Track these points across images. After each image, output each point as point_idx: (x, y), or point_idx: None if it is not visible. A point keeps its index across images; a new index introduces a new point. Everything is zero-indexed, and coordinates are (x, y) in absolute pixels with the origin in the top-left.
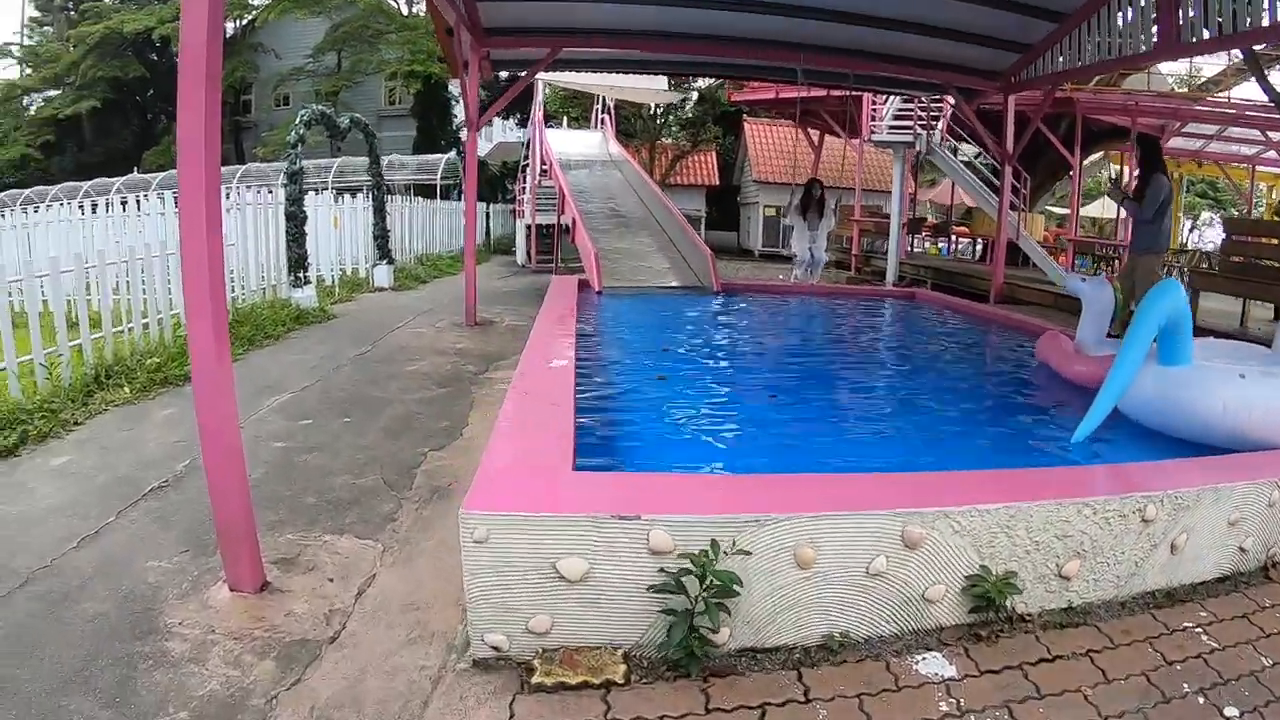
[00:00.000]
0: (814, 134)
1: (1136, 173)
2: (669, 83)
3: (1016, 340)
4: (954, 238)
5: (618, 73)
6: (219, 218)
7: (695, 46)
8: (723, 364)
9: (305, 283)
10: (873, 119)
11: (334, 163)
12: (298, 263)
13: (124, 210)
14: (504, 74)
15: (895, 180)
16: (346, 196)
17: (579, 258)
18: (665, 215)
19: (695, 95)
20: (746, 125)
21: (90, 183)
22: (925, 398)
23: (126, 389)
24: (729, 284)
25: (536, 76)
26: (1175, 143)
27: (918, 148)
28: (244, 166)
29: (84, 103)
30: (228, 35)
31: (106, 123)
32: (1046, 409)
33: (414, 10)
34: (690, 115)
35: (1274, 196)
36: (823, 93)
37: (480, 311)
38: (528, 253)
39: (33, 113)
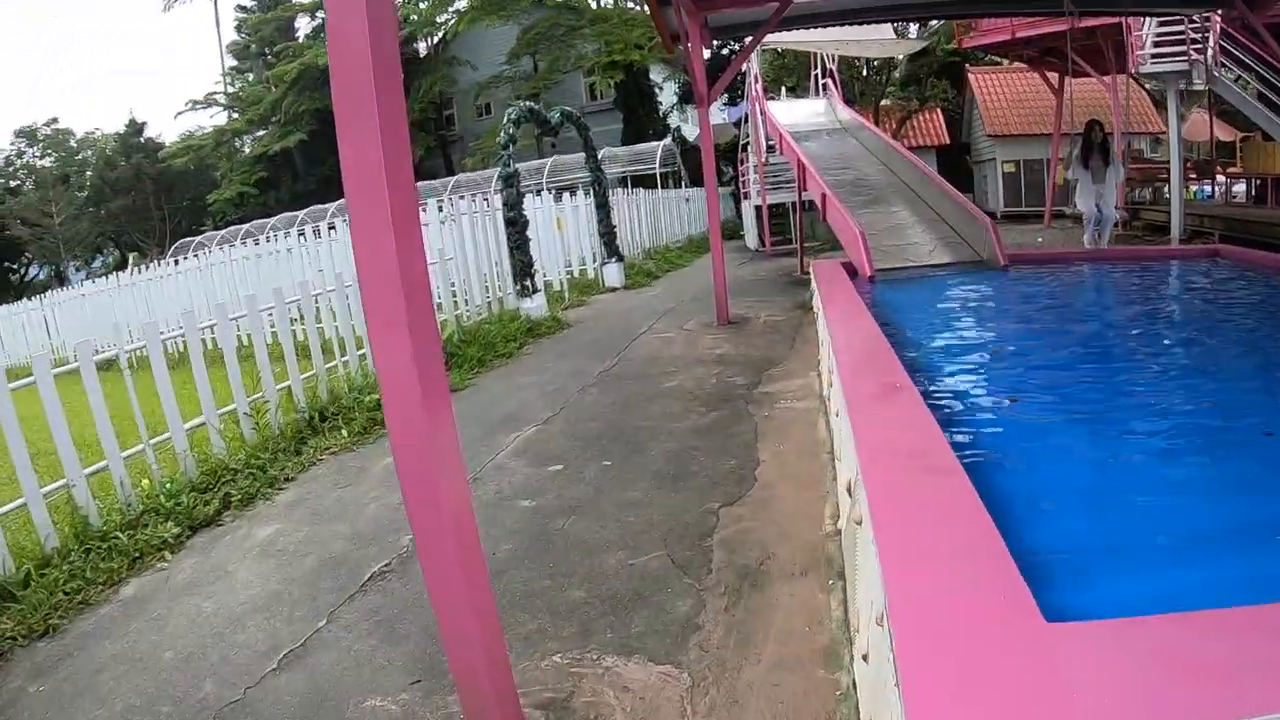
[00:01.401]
0: (1053, 77)
1: None
2: (894, 29)
3: None
4: (1219, 178)
5: (847, 23)
6: (413, 230)
7: None
8: (1084, 374)
9: (533, 291)
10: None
11: (545, 163)
12: (523, 271)
13: (333, 235)
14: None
15: (1172, 117)
16: (565, 195)
17: (823, 238)
18: (920, 181)
19: (929, 38)
20: (971, 76)
21: (305, 210)
22: None
23: (344, 432)
24: (1014, 255)
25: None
26: None
27: (1195, 76)
28: (454, 178)
29: (291, 137)
30: (421, 55)
31: (315, 152)
32: None
33: (602, 2)
34: (907, 71)
35: None
36: (1064, 26)
37: (729, 306)
38: (759, 236)
39: (246, 153)
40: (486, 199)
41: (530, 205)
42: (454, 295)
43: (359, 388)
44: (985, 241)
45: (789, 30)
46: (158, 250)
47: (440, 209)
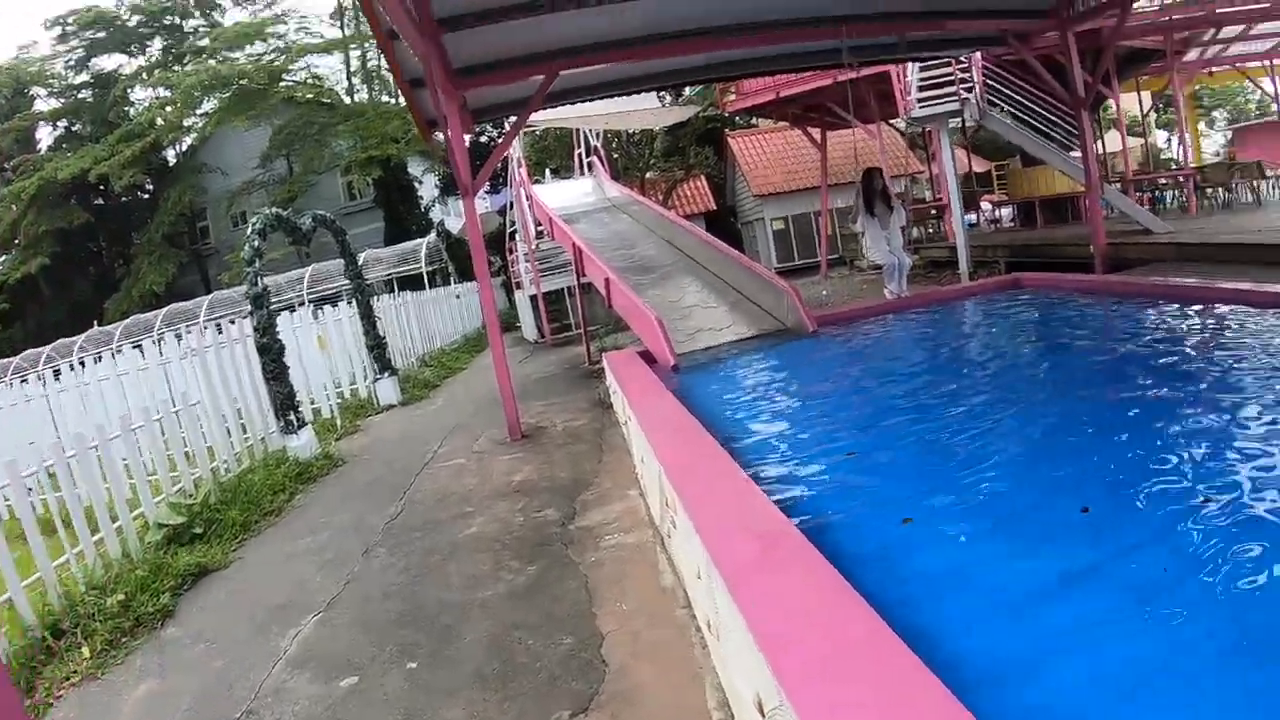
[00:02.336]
0: (815, 133)
1: None
2: (660, 98)
3: (1221, 314)
4: (984, 207)
5: (614, 95)
6: None
7: (716, 41)
8: (989, 466)
9: (299, 426)
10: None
11: (304, 273)
12: (284, 404)
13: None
14: (474, 133)
15: (945, 157)
16: (326, 308)
17: (603, 320)
18: (705, 252)
19: (699, 106)
20: (731, 141)
21: (50, 346)
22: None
23: (85, 650)
24: (821, 317)
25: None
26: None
27: (967, 114)
28: (208, 297)
29: (34, 261)
30: (169, 164)
31: (62, 277)
32: None
33: (355, 97)
34: (668, 142)
35: None
36: (827, 81)
37: (520, 415)
38: (538, 327)
39: None
40: (234, 322)
41: (288, 325)
42: (207, 445)
43: (99, 583)
44: (788, 309)
45: (554, 106)
46: None
47: (180, 339)
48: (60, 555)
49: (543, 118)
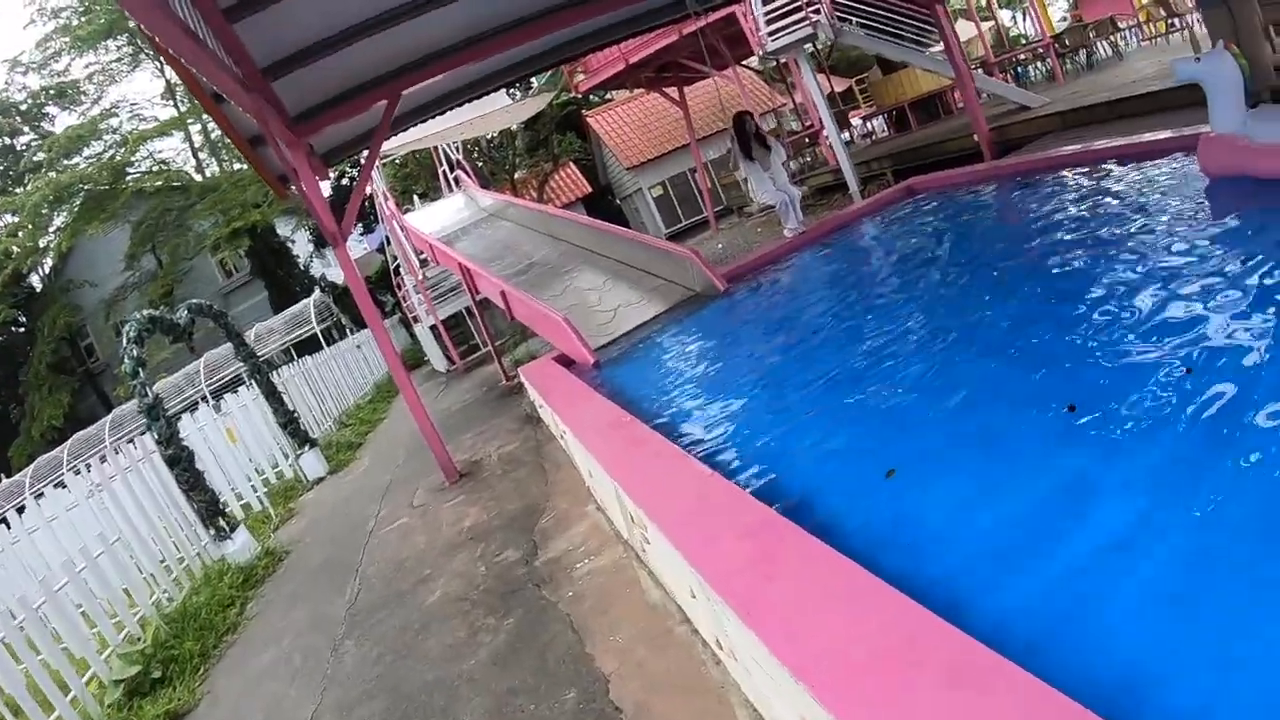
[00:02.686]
0: (672, 93)
1: None
2: (510, 95)
3: (1132, 175)
4: (855, 123)
5: (465, 101)
6: None
7: (553, 20)
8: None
9: (230, 530)
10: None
11: (198, 365)
12: (208, 511)
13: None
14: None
15: (808, 82)
16: (228, 396)
17: (509, 331)
18: (593, 238)
19: (550, 93)
20: (591, 120)
21: None
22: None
23: None
24: (727, 273)
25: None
26: None
27: (821, 37)
28: (109, 417)
29: None
30: (36, 291)
31: None
32: None
33: (207, 172)
34: (528, 138)
35: None
36: (674, 36)
37: (452, 457)
38: (446, 356)
39: None
40: (133, 442)
41: (192, 427)
42: (143, 576)
43: None
44: (693, 273)
45: (406, 128)
46: None
47: (88, 474)
48: None
49: (397, 144)
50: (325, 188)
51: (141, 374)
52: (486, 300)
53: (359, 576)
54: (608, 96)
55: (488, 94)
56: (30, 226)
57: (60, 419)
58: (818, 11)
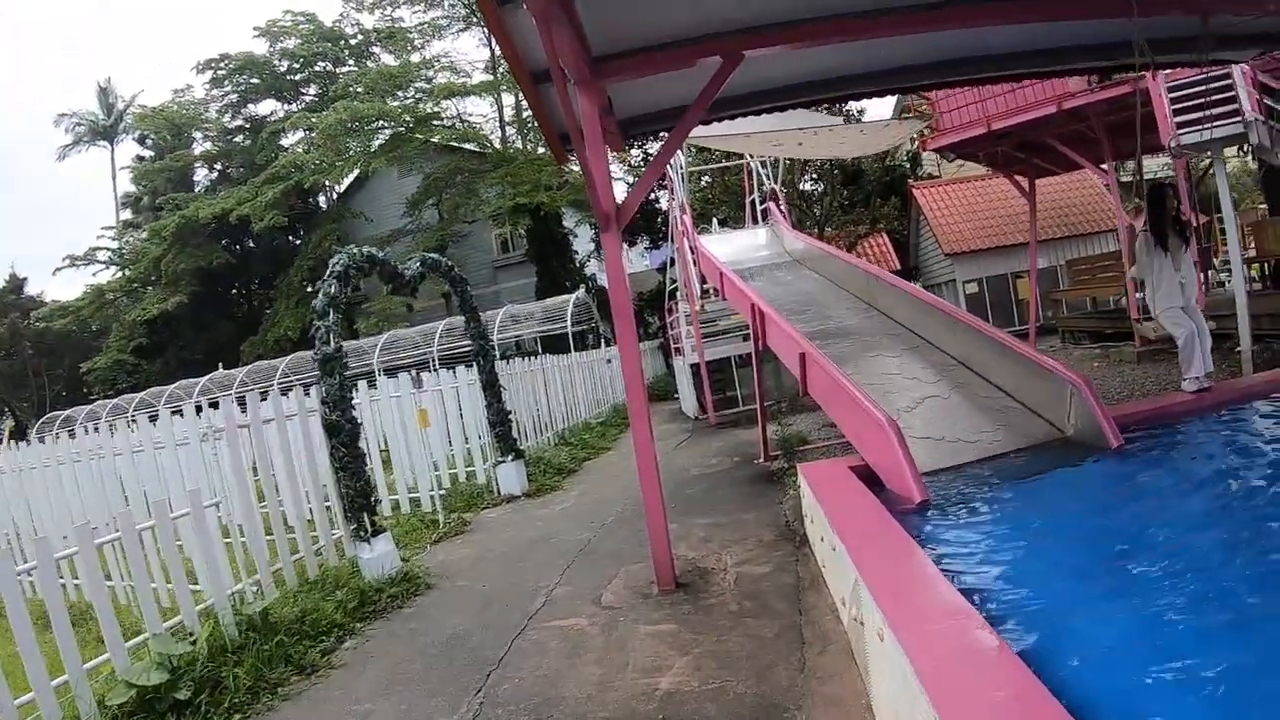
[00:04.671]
0: (1022, 180)
1: None
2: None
3: None
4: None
5: (801, 104)
6: None
7: (968, 12)
8: None
9: (372, 533)
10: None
11: (437, 327)
12: (356, 503)
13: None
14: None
15: (1224, 194)
16: (453, 371)
17: (786, 399)
18: (930, 321)
19: (922, 122)
20: (917, 192)
21: (175, 385)
22: None
23: None
24: (1118, 415)
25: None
26: None
27: (1253, 136)
28: (378, 339)
29: (173, 299)
30: (316, 209)
31: (203, 316)
32: None
33: (509, 143)
34: (845, 195)
35: None
36: (1051, 108)
37: (673, 545)
38: (699, 402)
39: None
40: (309, 392)
41: (369, 398)
42: (232, 559)
43: None
44: (1076, 410)
45: (724, 116)
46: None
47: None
48: None
49: (707, 134)
50: (613, 166)
51: (331, 317)
52: (766, 354)
53: (484, 694)
54: (934, 173)
55: (829, 104)
56: (322, 147)
57: (296, 332)
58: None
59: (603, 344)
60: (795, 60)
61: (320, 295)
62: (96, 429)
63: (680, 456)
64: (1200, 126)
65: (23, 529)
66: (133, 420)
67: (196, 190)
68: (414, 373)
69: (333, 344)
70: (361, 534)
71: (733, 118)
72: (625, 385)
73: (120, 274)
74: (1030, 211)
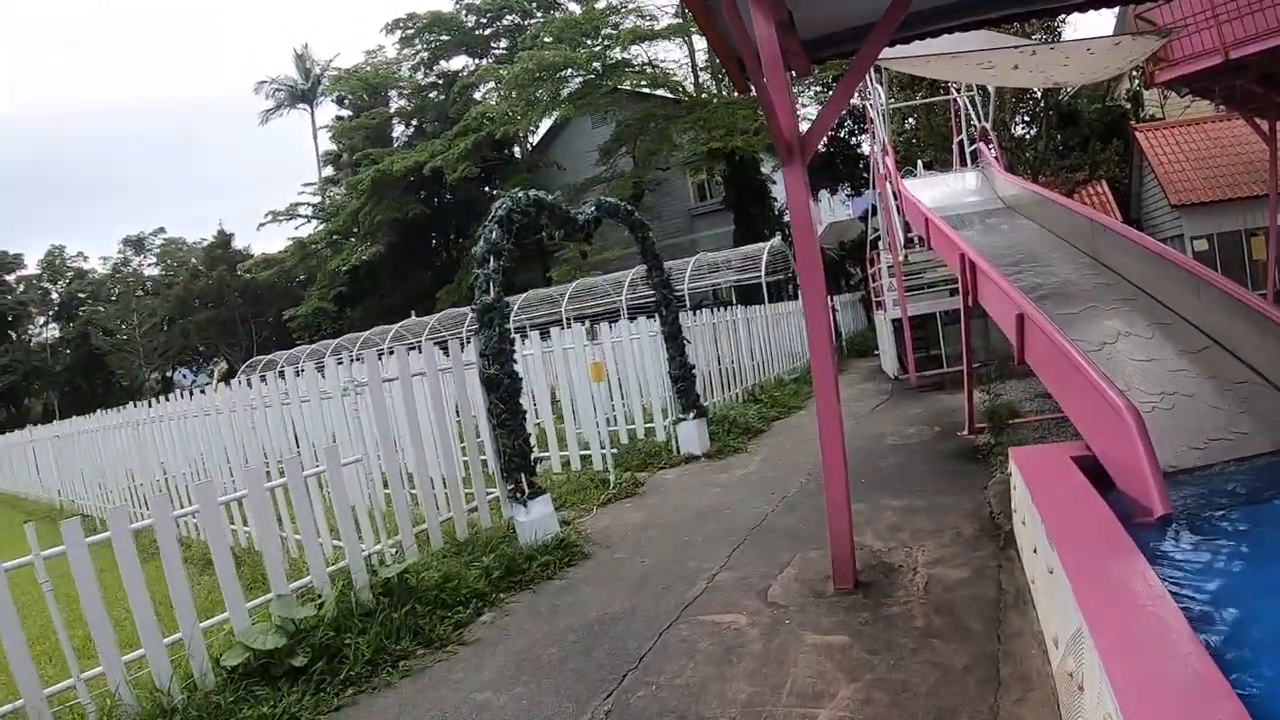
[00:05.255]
0: (1262, 123)
1: None
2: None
3: None
4: None
5: (1014, 14)
6: None
7: None
8: None
9: (532, 494)
10: None
11: (627, 275)
12: (513, 462)
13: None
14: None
15: None
16: (634, 321)
17: (991, 351)
18: (1176, 284)
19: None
20: (1140, 136)
21: (372, 330)
22: None
23: None
24: None
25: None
26: None
27: None
28: (523, 295)
29: (369, 250)
30: (509, 158)
31: (401, 266)
32: None
33: (703, 88)
34: (1059, 138)
35: None
36: None
37: (855, 530)
38: (900, 360)
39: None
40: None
41: (540, 350)
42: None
43: None
44: None
45: (927, 32)
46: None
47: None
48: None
49: (908, 53)
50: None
51: (492, 264)
52: (976, 312)
53: (614, 699)
54: (1155, 115)
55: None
56: (509, 96)
57: None
58: None
59: (799, 295)
60: None
61: (480, 241)
62: (297, 372)
63: (876, 422)
64: None
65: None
66: (301, 371)
67: (394, 146)
68: (587, 323)
69: (492, 293)
70: (519, 495)
71: (935, 34)
72: (810, 344)
73: (321, 227)
74: (1271, 159)
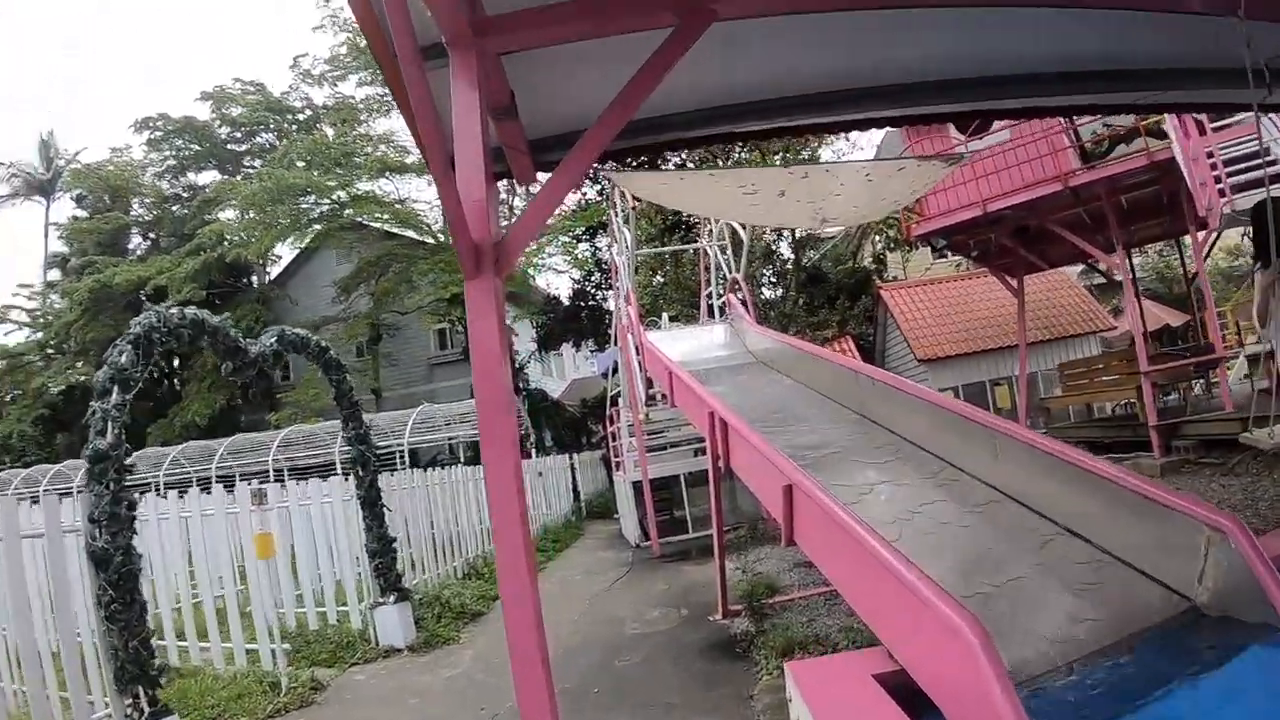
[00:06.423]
0: (1012, 280)
1: None
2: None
3: None
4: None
5: (775, 130)
6: None
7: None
8: None
9: (155, 715)
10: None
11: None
12: (127, 670)
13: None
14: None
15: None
16: (312, 481)
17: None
18: (955, 438)
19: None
20: (885, 294)
21: (66, 463)
22: None
23: None
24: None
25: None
26: None
27: None
28: (229, 440)
29: (84, 370)
30: (239, 286)
31: None
32: None
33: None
34: (806, 298)
35: None
36: (1056, 186)
37: None
38: (642, 526)
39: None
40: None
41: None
42: None
43: None
44: (1210, 564)
45: (653, 140)
46: None
47: None
48: None
49: (658, 179)
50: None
51: (115, 395)
52: (723, 473)
53: None
54: (897, 275)
55: (811, 129)
56: (248, 216)
57: (204, 418)
58: None
59: (544, 451)
60: (773, 59)
61: (105, 367)
62: None
63: (615, 602)
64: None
65: None
66: None
67: (128, 258)
68: (253, 482)
69: (109, 435)
70: (136, 717)
71: (680, 146)
72: (493, 521)
73: (33, 338)
74: (1019, 309)
